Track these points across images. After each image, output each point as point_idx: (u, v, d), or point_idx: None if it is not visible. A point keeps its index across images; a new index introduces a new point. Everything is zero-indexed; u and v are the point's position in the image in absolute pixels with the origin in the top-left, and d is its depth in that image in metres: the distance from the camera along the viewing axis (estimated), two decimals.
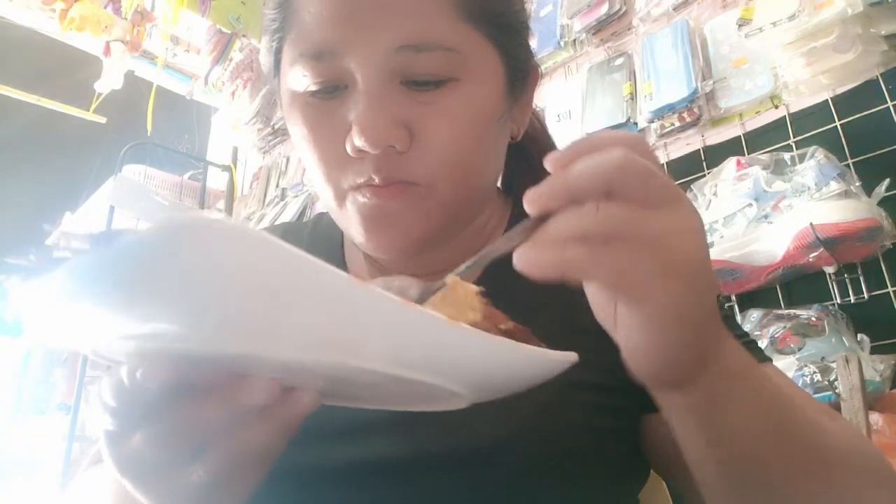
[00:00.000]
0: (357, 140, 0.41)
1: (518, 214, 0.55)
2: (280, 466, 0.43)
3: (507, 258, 0.52)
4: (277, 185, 2.36)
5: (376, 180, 0.42)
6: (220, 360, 0.26)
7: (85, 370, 2.02)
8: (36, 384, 2.84)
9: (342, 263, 0.55)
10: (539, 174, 0.59)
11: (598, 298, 0.33)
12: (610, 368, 0.46)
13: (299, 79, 0.44)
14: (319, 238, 0.58)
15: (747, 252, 1.03)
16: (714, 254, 1.05)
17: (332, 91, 0.43)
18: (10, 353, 2.93)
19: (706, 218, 1.10)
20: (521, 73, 0.49)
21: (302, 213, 2.12)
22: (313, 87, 0.43)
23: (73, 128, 3.03)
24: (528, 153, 0.56)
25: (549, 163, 0.30)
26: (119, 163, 2.23)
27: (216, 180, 2.71)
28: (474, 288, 0.32)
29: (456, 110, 0.43)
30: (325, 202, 0.47)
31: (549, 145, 0.59)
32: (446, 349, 0.26)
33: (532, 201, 0.29)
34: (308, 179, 0.48)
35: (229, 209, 2.64)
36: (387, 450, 0.43)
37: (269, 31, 0.48)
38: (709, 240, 1.07)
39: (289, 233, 0.61)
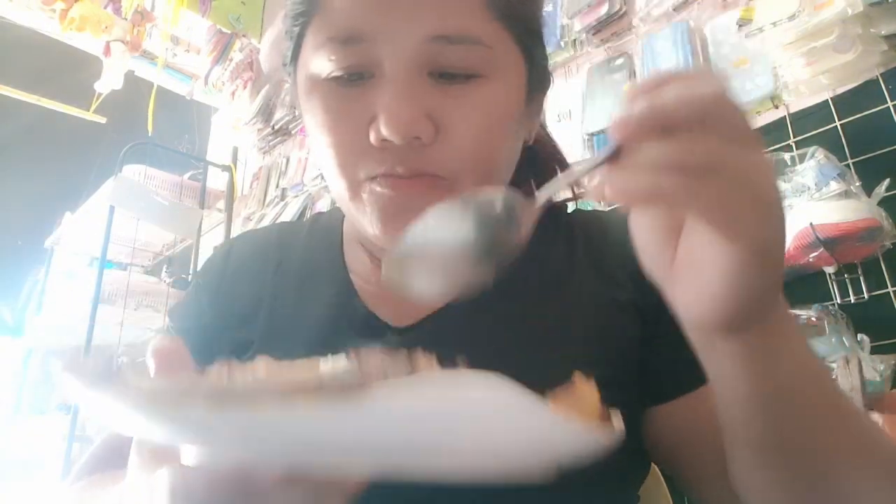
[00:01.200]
0: (384, 129, 0.40)
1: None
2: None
3: (528, 242, 0.52)
4: (277, 185, 2.36)
5: (400, 171, 0.41)
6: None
7: None
8: (36, 384, 2.84)
9: (342, 263, 0.54)
10: (546, 176, 0.59)
11: (659, 238, 0.31)
12: (610, 363, 0.46)
13: (324, 63, 0.43)
14: (317, 238, 0.58)
15: None
16: None
17: (356, 78, 0.42)
18: (10, 353, 2.93)
19: None
20: (539, 78, 0.50)
21: (302, 214, 2.12)
22: (337, 73, 0.42)
23: (74, 128, 3.03)
24: (535, 157, 0.57)
25: (632, 91, 0.28)
26: (119, 163, 2.23)
27: (216, 180, 2.71)
28: (595, 391, 0.31)
29: (482, 106, 0.42)
30: (338, 193, 0.46)
31: (553, 149, 0.60)
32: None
33: (621, 126, 0.27)
34: (321, 168, 0.47)
35: (229, 209, 2.64)
36: None
37: (292, 14, 0.46)
38: None
39: (285, 231, 0.60)
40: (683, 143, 0.26)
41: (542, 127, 0.59)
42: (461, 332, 0.47)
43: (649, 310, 0.48)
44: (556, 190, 0.32)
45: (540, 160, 0.58)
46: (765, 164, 0.27)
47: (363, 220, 0.44)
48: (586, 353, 0.46)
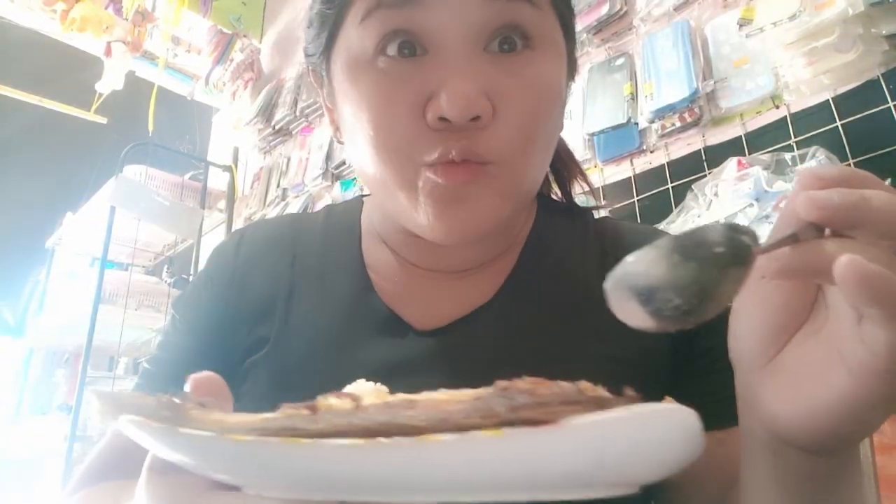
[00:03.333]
0: (447, 107, 0.38)
1: (542, 213, 0.55)
2: None
3: (553, 247, 0.52)
4: (278, 186, 2.36)
5: (453, 154, 0.39)
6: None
7: (86, 371, 2.02)
8: (37, 384, 2.85)
9: (360, 261, 0.52)
10: (563, 172, 0.58)
11: (767, 332, 0.30)
12: (636, 374, 0.44)
13: (372, 40, 0.40)
14: (334, 233, 0.55)
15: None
16: None
17: (408, 55, 0.40)
18: (11, 354, 2.94)
19: (707, 218, 1.10)
20: (573, 64, 0.49)
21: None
22: (389, 50, 0.40)
23: (75, 128, 3.03)
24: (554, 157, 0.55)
25: (814, 173, 0.27)
26: (120, 163, 2.23)
27: (217, 180, 2.71)
28: None
29: (536, 83, 0.41)
30: (384, 185, 0.43)
31: (564, 147, 0.59)
32: None
33: (822, 206, 0.25)
34: (361, 163, 0.44)
35: (230, 209, 2.64)
36: None
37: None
38: None
39: (299, 224, 0.57)
40: (891, 258, 0.25)
41: None
42: (489, 344, 0.46)
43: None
44: (779, 246, 0.27)
45: (557, 161, 0.57)
46: None
47: (415, 212, 0.42)
48: (615, 360, 0.45)
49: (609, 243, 0.52)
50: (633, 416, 0.20)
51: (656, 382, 0.46)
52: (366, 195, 0.59)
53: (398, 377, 0.44)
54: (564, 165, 0.59)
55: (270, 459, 0.22)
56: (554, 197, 0.61)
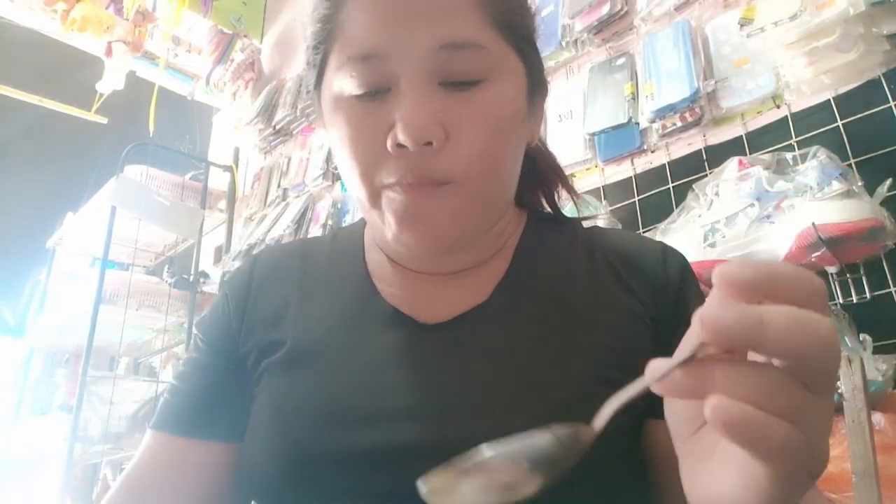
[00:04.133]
0: (401, 135, 0.43)
1: (532, 223, 0.60)
2: (301, 453, 0.45)
3: (545, 251, 0.56)
4: (279, 186, 2.36)
5: (409, 178, 0.44)
6: None
7: (87, 371, 2.02)
8: (37, 384, 2.85)
9: (364, 268, 0.57)
10: (547, 184, 0.63)
11: (686, 417, 0.31)
12: (623, 364, 0.47)
13: (345, 81, 0.46)
14: (340, 250, 0.61)
15: (749, 252, 1.02)
16: (716, 254, 1.05)
17: (374, 94, 0.46)
18: (11, 354, 2.94)
19: (708, 218, 1.10)
20: (537, 84, 0.53)
21: (303, 214, 2.13)
22: (358, 91, 0.46)
23: (75, 128, 3.03)
24: (535, 166, 0.60)
25: (727, 278, 0.26)
26: (121, 163, 2.23)
27: (218, 180, 2.71)
28: None
29: (488, 108, 0.46)
30: (361, 202, 0.49)
31: (550, 158, 0.63)
32: None
33: (714, 331, 0.25)
34: (346, 181, 0.52)
35: (231, 209, 2.64)
36: (406, 437, 0.44)
37: (312, 45, 0.51)
38: (711, 240, 1.07)
39: (308, 246, 0.63)
40: (776, 383, 0.25)
41: (540, 139, 0.62)
42: (489, 334, 0.50)
43: (662, 324, 0.51)
44: (609, 414, 0.31)
45: (539, 169, 0.61)
46: (830, 411, 0.27)
47: (384, 227, 0.48)
48: (602, 347, 0.48)
49: (597, 243, 0.57)
50: None
51: (639, 368, 0.48)
52: None
53: (408, 364, 0.48)
54: (549, 177, 0.63)
55: None
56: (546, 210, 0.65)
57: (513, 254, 0.56)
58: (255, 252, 2.05)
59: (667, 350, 0.48)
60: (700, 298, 0.53)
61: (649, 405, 0.48)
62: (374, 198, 0.47)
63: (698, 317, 0.26)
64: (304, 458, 0.45)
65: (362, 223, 0.63)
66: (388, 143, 0.44)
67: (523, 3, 0.52)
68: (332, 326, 0.53)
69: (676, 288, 0.53)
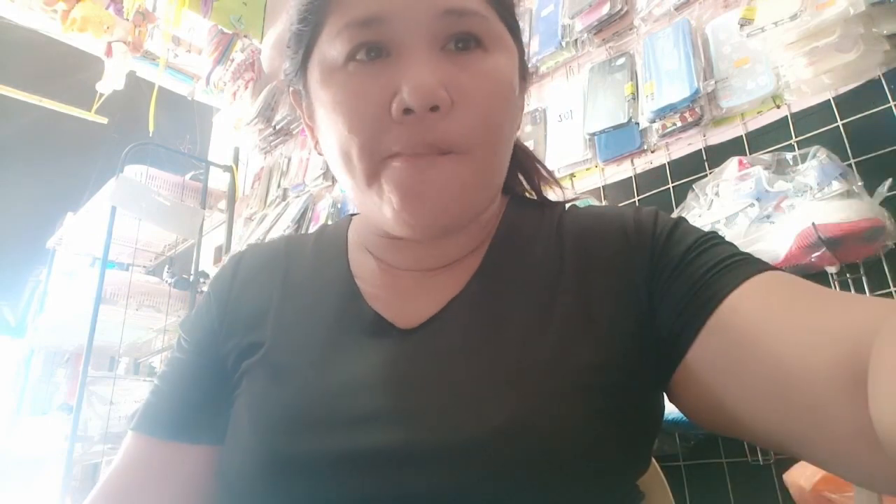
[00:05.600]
0: (408, 97, 0.42)
1: (511, 208, 0.58)
2: (277, 458, 0.44)
3: (520, 238, 0.55)
4: (279, 186, 2.36)
5: (415, 147, 0.43)
6: None
7: (87, 371, 2.02)
8: (38, 384, 2.84)
9: (347, 269, 0.55)
10: (528, 172, 0.63)
11: None
12: (599, 350, 0.45)
13: (343, 48, 0.45)
14: (323, 247, 0.59)
15: (750, 252, 1.02)
16: None
17: (374, 60, 0.45)
18: (11, 354, 2.94)
19: (708, 218, 1.10)
20: (524, 67, 0.54)
21: (304, 213, 2.13)
22: (357, 57, 0.45)
23: (75, 128, 3.03)
24: (515, 157, 0.59)
25: None
26: (121, 163, 2.23)
27: (218, 180, 2.71)
28: None
29: (490, 75, 0.46)
30: (355, 183, 0.47)
31: (526, 150, 0.64)
32: None
33: None
34: (335, 164, 0.49)
35: (231, 209, 2.64)
36: (382, 439, 0.42)
37: (300, 17, 0.49)
38: None
39: (293, 243, 0.61)
40: None
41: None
42: (462, 334, 0.48)
43: (641, 275, 0.48)
44: None
45: (518, 160, 0.62)
46: None
47: (382, 205, 0.45)
48: (580, 345, 0.46)
49: (567, 224, 0.54)
50: None
51: (621, 350, 0.46)
52: (354, 214, 0.63)
53: (385, 369, 0.46)
54: (528, 164, 0.63)
55: None
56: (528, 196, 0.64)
57: (490, 243, 0.54)
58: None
59: (655, 296, 0.47)
60: (679, 227, 0.49)
61: (659, 364, 0.45)
62: (373, 175, 0.45)
63: None
64: (280, 463, 0.44)
65: (346, 222, 0.61)
66: (394, 109, 0.43)
67: None
68: (310, 330, 0.51)
69: (650, 234, 0.49)
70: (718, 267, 0.44)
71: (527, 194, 0.64)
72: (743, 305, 0.41)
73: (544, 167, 0.64)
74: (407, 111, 0.43)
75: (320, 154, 0.53)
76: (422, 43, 0.44)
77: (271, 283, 0.56)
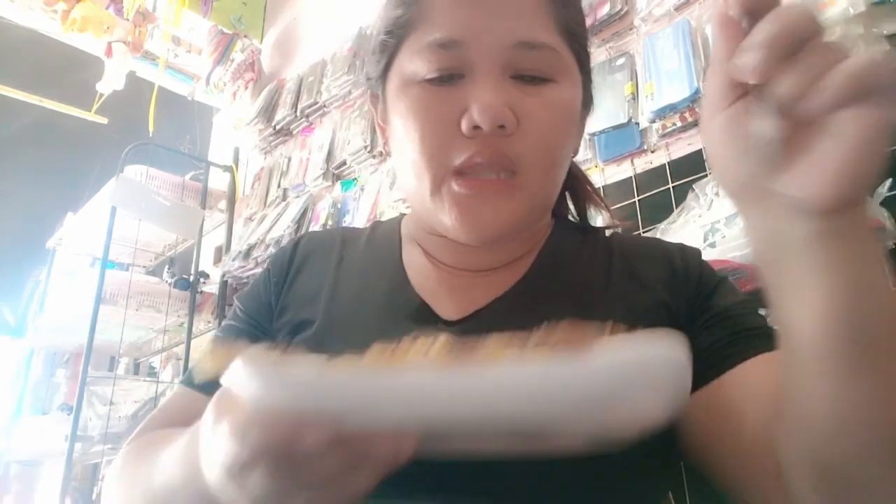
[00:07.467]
0: (476, 115, 0.46)
1: (558, 229, 0.63)
2: None
3: (567, 251, 0.59)
4: (279, 186, 2.36)
5: (481, 160, 0.47)
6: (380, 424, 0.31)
7: (87, 371, 2.02)
8: (38, 384, 2.85)
9: (399, 260, 0.60)
10: (579, 197, 0.67)
11: (774, 145, 0.31)
12: None
13: (421, 65, 0.49)
14: (377, 238, 0.64)
15: (750, 252, 1.02)
16: (716, 254, 1.05)
17: (448, 79, 0.49)
18: (11, 354, 2.94)
19: (708, 218, 1.10)
20: (588, 96, 0.58)
21: (303, 214, 2.12)
22: (433, 74, 0.49)
23: (75, 128, 3.03)
24: (569, 179, 0.63)
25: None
26: (121, 163, 2.23)
27: (218, 181, 2.71)
28: None
29: (554, 106, 0.50)
30: (420, 190, 0.51)
31: (582, 174, 0.67)
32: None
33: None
34: (403, 170, 0.55)
35: (231, 209, 2.64)
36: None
37: (387, 30, 0.54)
38: (711, 240, 1.07)
39: (348, 234, 0.66)
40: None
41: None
42: (502, 325, 0.50)
43: (685, 316, 0.52)
44: None
45: (571, 177, 0.64)
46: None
47: (442, 213, 0.50)
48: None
49: (615, 245, 0.60)
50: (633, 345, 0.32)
51: None
52: (405, 213, 0.68)
53: None
54: (579, 187, 0.67)
55: (372, 386, 0.30)
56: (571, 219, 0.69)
57: (538, 254, 0.58)
58: (255, 252, 2.05)
59: (692, 327, 0.51)
60: (724, 285, 0.54)
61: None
62: (438, 184, 0.49)
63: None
64: None
65: (399, 217, 0.66)
66: (464, 125, 0.47)
67: (582, 14, 0.56)
68: (359, 312, 0.55)
69: (696, 279, 0.54)
70: (741, 335, 0.49)
71: (570, 217, 0.68)
72: (744, 381, 0.47)
73: (596, 192, 0.68)
74: (476, 128, 0.47)
75: (388, 152, 0.58)
76: (494, 68, 0.48)
77: (326, 267, 0.61)
